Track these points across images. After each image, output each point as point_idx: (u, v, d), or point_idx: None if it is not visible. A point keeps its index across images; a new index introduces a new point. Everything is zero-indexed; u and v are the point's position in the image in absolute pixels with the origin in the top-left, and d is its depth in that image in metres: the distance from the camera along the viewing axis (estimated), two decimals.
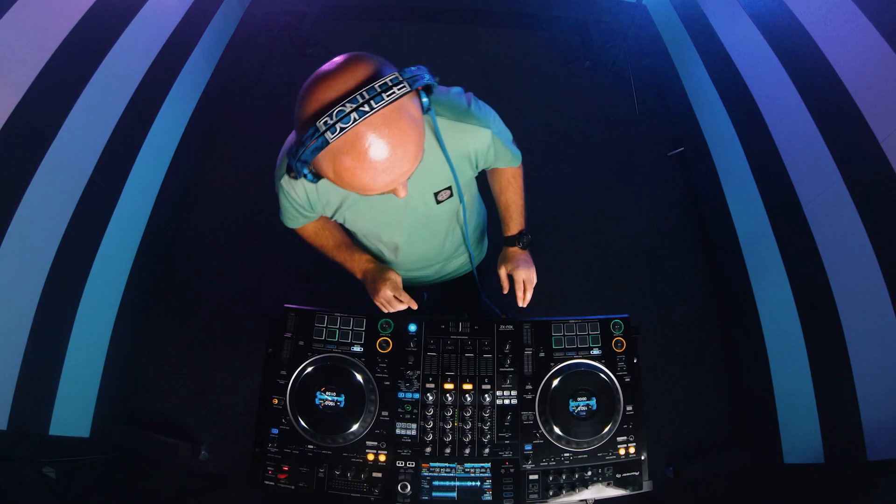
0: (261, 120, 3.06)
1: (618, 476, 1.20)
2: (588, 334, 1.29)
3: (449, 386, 1.23)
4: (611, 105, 3.23)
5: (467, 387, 1.23)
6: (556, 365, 1.26)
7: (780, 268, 2.07)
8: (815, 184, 1.90)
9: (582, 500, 1.18)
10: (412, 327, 1.28)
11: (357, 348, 1.24)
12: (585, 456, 1.20)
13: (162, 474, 2.08)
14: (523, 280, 1.30)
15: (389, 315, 1.28)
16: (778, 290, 2.08)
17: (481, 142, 1.03)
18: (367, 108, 0.65)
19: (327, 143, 0.66)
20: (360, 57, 0.70)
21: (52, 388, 1.78)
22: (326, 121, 0.65)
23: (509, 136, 1.14)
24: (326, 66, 0.70)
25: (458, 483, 1.16)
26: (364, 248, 1.34)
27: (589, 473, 1.19)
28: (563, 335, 1.29)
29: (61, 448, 1.87)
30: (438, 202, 1.10)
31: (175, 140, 2.61)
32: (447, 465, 1.18)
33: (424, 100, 0.76)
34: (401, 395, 1.22)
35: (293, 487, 1.15)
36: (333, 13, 3.67)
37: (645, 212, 2.80)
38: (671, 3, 3.23)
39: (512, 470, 1.18)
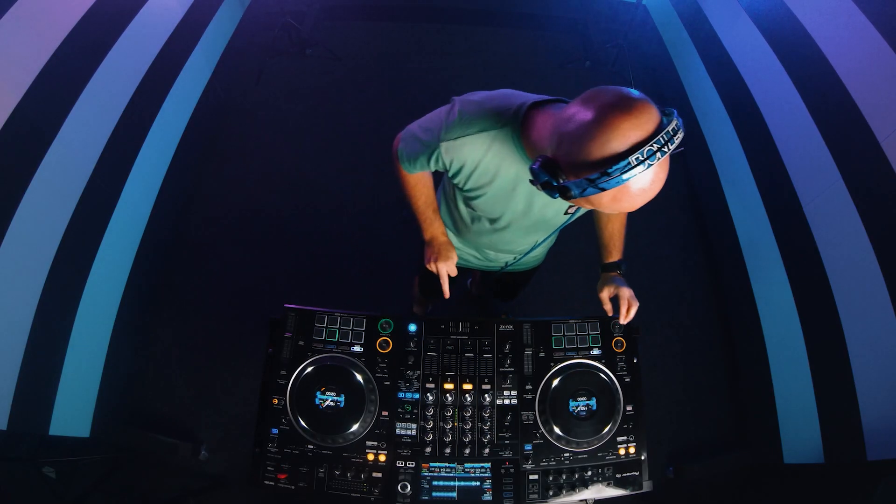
0: (261, 120, 3.06)
1: (618, 476, 1.20)
2: (588, 334, 1.29)
3: (449, 386, 1.23)
4: None
5: (467, 387, 1.23)
6: (556, 365, 1.26)
7: (780, 268, 2.07)
8: (815, 184, 1.90)
9: (582, 500, 1.18)
10: (412, 327, 1.28)
11: (357, 348, 1.24)
12: (585, 456, 1.20)
13: (162, 474, 2.08)
14: (628, 298, 1.32)
15: (390, 315, 1.28)
16: (778, 291, 2.08)
17: None
18: (666, 149, 0.74)
19: (634, 176, 0.74)
20: (647, 100, 0.78)
21: (52, 388, 1.78)
22: (639, 157, 0.73)
23: None
24: (625, 104, 0.75)
25: (458, 483, 1.16)
26: (463, 217, 1.33)
27: (589, 473, 1.19)
28: (563, 335, 1.29)
29: (61, 448, 1.87)
30: (566, 213, 1.16)
31: (175, 140, 2.61)
32: (447, 465, 1.18)
33: None
34: (401, 395, 1.22)
35: (293, 487, 1.15)
36: (333, 13, 3.67)
37: (645, 212, 2.78)
38: (671, 3, 3.23)
39: (512, 470, 1.18)
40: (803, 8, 2.05)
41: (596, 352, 1.28)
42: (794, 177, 2.02)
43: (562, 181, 0.81)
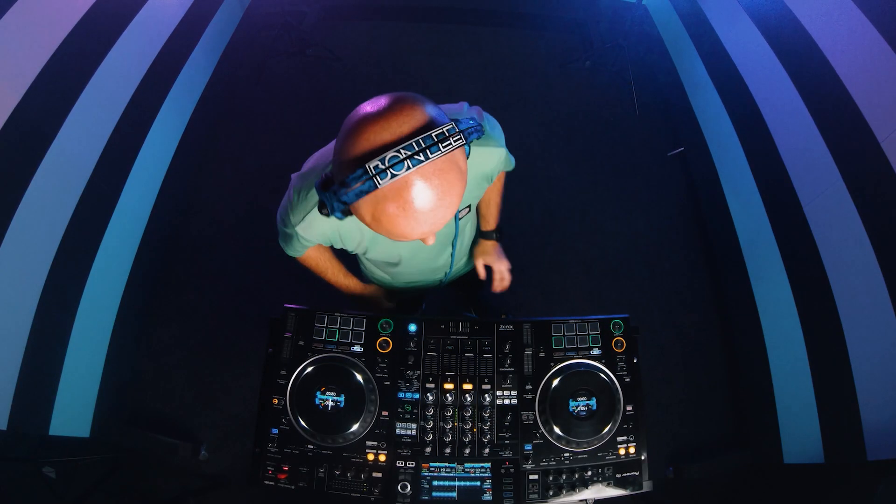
0: (261, 120, 3.06)
1: (618, 476, 1.20)
2: (588, 334, 1.29)
3: (449, 386, 1.23)
4: (611, 105, 3.23)
5: (467, 387, 1.23)
6: (556, 365, 1.26)
7: (780, 268, 2.07)
8: (815, 184, 1.90)
9: (582, 500, 1.18)
10: (412, 327, 1.28)
11: (357, 348, 1.24)
12: (585, 456, 1.20)
13: (162, 474, 2.08)
14: (501, 271, 1.38)
15: (389, 315, 1.28)
16: (778, 291, 2.08)
17: (497, 160, 1.06)
18: (421, 157, 0.63)
19: (375, 187, 0.63)
20: (412, 100, 0.68)
21: (52, 388, 1.78)
22: (378, 165, 0.62)
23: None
24: (377, 106, 0.67)
25: (458, 483, 1.16)
26: (378, 266, 1.36)
27: (589, 473, 1.19)
28: (563, 335, 1.29)
29: (61, 448, 1.87)
30: (458, 219, 1.14)
31: (175, 140, 2.61)
32: (447, 465, 1.18)
33: (467, 148, 0.75)
34: (401, 395, 1.22)
35: (293, 487, 1.15)
36: (333, 13, 3.67)
37: (645, 212, 2.80)
38: (671, 3, 3.23)
39: (512, 470, 1.18)
40: (803, 8, 2.05)
41: (596, 352, 1.28)
42: (794, 177, 2.02)
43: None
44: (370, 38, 3.51)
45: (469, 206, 1.13)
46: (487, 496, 1.15)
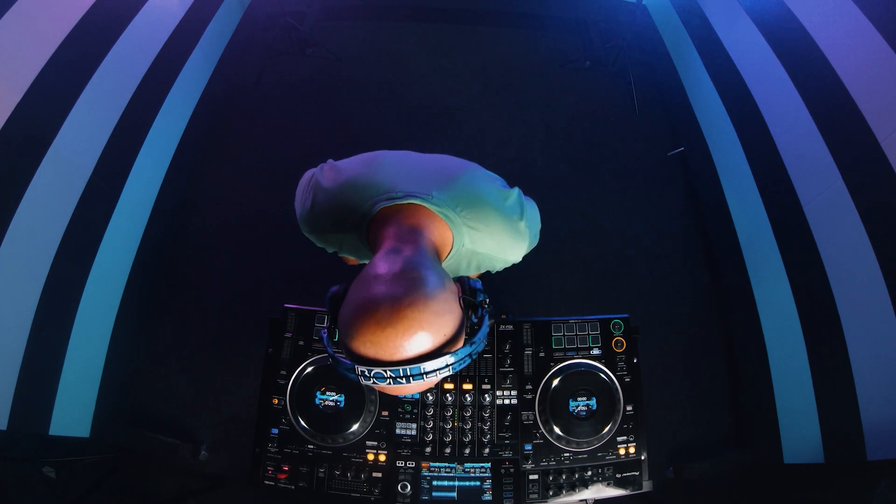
0: (261, 120, 3.06)
1: (618, 476, 1.20)
2: (588, 334, 1.29)
3: (449, 386, 1.23)
4: (611, 105, 3.23)
5: (467, 387, 1.23)
6: (556, 365, 1.26)
7: (780, 268, 2.07)
8: (815, 184, 1.90)
9: (582, 500, 1.18)
10: None
11: None
12: (585, 456, 1.20)
13: (162, 474, 2.08)
14: None
15: None
16: (778, 290, 2.08)
17: (510, 260, 0.97)
18: (403, 381, 0.65)
19: (358, 381, 0.67)
20: (424, 322, 0.65)
21: (52, 388, 1.78)
22: (364, 372, 0.64)
23: (537, 230, 1.08)
24: (385, 306, 0.64)
25: (458, 483, 1.16)
26: None
27: (589, 473, 1.19)
28: (563, 335, 1.29)
29: (61, 448, 1.87)
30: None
31: (175, 140, 2.61)
32: (447, 464, 1.18)
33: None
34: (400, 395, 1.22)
35: (293, 487, 1.15)
36: (333, 13, 3.67)
37: (645, 212, 2.80)
38: (671, 3, 3.23)
39: (512, 470, 1.18)
40: (803, 8, 2.05)
41: (596, 352, 1.28)
42: (794, 177, 2.02)
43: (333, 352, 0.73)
44: (370, 38, 3.51)
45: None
46: (487, 496, 1.15)
